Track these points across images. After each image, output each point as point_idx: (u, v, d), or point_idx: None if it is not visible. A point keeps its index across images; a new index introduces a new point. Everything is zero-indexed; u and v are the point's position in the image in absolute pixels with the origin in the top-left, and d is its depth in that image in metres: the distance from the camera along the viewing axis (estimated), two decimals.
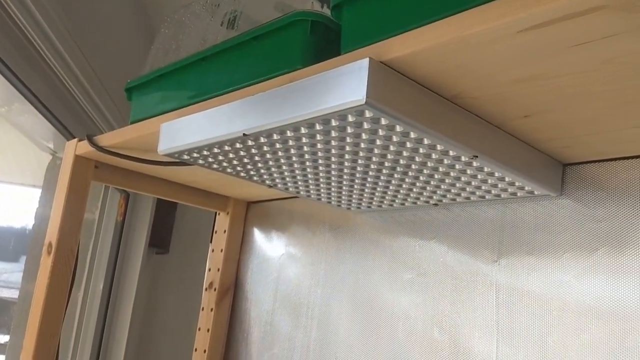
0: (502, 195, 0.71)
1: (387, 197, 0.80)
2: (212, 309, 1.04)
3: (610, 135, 0.58)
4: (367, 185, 0.75)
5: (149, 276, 1.82)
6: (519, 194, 0.69)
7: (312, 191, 0.82)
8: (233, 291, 1.07)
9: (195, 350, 1.04)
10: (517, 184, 0.66)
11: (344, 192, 0.81)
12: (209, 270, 1.07)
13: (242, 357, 1.02)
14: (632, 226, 0.62)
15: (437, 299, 0.77)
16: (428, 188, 0.72)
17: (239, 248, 1.09)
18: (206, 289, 1.06)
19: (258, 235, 1.08)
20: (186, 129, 0.65)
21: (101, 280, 1.67)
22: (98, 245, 1.70)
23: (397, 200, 0.82)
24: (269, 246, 1.05)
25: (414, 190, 0.74)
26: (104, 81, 1.32)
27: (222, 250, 1.07)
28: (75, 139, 0.88)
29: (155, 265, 1.86)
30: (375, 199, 0.82)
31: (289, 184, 0.80)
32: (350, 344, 0.86)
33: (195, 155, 0.68)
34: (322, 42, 0.60)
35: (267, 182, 0.79)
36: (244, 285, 1.07)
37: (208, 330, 1.02)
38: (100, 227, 1.71)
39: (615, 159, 0.64)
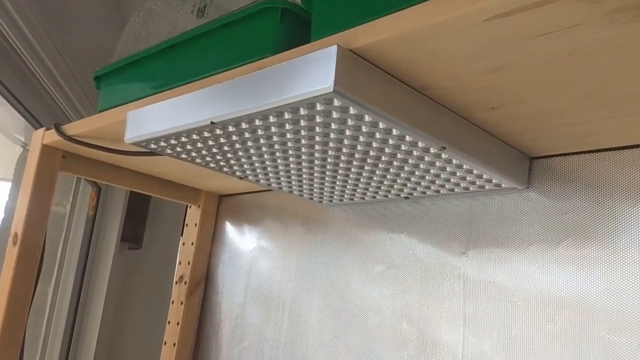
0: (471, 189, 0.71)
1: (358, 190, 0.80)
2: (182, 303, 1.03)
3: (575, 128, 0.59)
4: (338, 177, 0.75)
5: (121, 271, 1.80)
6: (487, 187, 0.70)
7: (283, 183, 0.82)
8: (204, 285, 1.07)
9: (165, 343, 1.02)
10: (485, 176, 0.66)
11: (315, 185, 0.80)
12: (180, 263, 1.06)
13: (213, 350, 1.02)
14: (596, 218, 0.63)
15: (406, 291, 0.78)
16: (398, 180, 0.73)
17: (210, 241, 1.08)
18: (176, 283, 1.05)
19: (230, 229, 1.07)
20: (153, 117, 0.64)
21: (72, 276, 1.65)
22: (69, 239, 1.67)
23: (368, 194, 0.82)
24: (241, 239, 1.05)
25: (385, 182, 0.74)
26: (74, 70, 1.30)
27: (193, 244, 1.06)
28: (43, 128, 0.87)
29: (127, 260, 1.84)
30: (346, 192, 0.82)
31: (260, 176, 0.79)
32: (321, 337, 0.86)
33: (163, 144, 0.67)
34: (292, 30, 0.59)
35: (238, 173, 0.79)
36: (215, 278, 1.06)
37: (178, 323, 1.01)
38: (71, 221, 1.68)
39: (580, 153, 0.65)
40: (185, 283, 1.04)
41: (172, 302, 1.04)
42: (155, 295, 1.86)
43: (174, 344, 1.01)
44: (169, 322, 1.03)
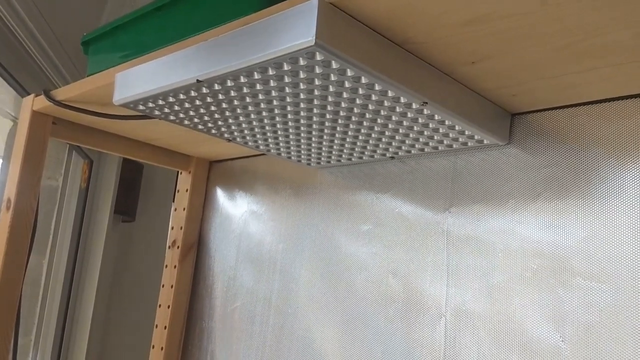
0: (454, 146, 0.73)
1: (345, 151, 0.82)
2: (175, 266, 1.05)
3: (552, 81, 0.60)
4: (325, 137, 0.76)
5: (115, 244, 1.81)
6: (469, 144, 0.72)
7: (271, 145, 0.83)
8: (196, 248, 1.09)
9: (160, 306, 1.05)
10: (467, 132, 0.68)
11: (302, 147, 0.82)
12: (172, 228, 1.08)
13: (206, 310, 1.04)
14: (573, 171, 0.65)
15: (392, 247, 0.80)
16: (383, 139, 0.74)
17: (202, 206, 1.10)
18: (169, 247, 1.07)
19: (220, 194, 1.09)
20: (141, 78, 0.65)
21: (66, 249, 1.66)
22: (62, 212, 1.68)
23: (355, 154, 0.83)
24: (232, 204, 1.06)
25: (370, 142, 0.76)
26: (60, 37, 1.29)
27: (184, 209, 1.07)
28: (32, 95, 0.87)
29: (121, 233, 1.86)
30: (333, 153, 0.84)
31: (248, 138, 0.80)
32: (311, 294, 0.89)
33: (150, 105, 0.68)
34: None
35: (226, 135, 0.80)
36: (207, 242, 1.08)
37: (172, 286, 1.04)
38: (63, 194, 1.69)
39: (558, 108, 0.67)
40: (178, 247, 1.06)
41: (166, 266, 1.07)
42: (149, 268, 1.88)
43: (169, 306, 1.03)
44: (163, 286, 1.06)
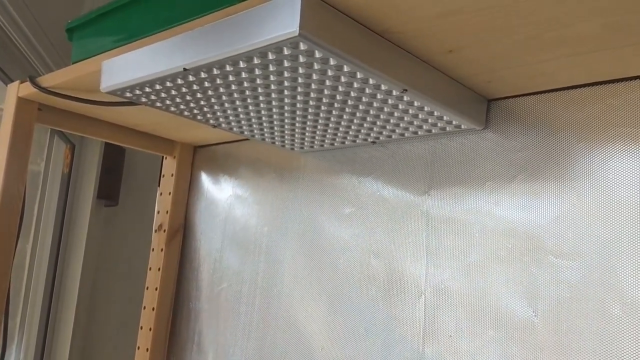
0: (433, 131, 0.76)
1: (327, 136, 0.84)
2: (162, 249, 1.07)
3: (523, 69, 0.63)
4: (308, 123, 0.78)
5: (98, 228, 1.82)
6: (447, 129, 0.74)
7: (255, 131, 0.85)
8: (182, 232, 1.11)
9: (147, 288, 1.07)
10: (445, 118, 0.70)
11: (286, 132, 0.84)
12: (158, 212, 1.10)
13: (193, 293, 1.07)
14: (546, 154, 0.68)
15: (374, 229, 0.83)
16: (365, 125, 0.77)
17: (187, 191, 1.12)
18: (156, 231, 1.09)
19: (205, 179, 1.11)
20: (127, 66, 0.66)
21: (49, 234, 1.67)
22: (45, 197, 1.68)
23: (337, 139, 0.86)
24: (217, 188, 1.08)
25: (352, 127, 0.78)
26: (42, 24, 1.29)
27: (170, 194, 1.09)
28: (18, 81, 0.88)
29: (104, 217, 1.87)
30: (317, 138, 0.86)
31: (233, 123, 0.82)
32: (295, 275, 0.92)
33: (137, 92, 0.70)
34: None
35: (211, 121, 0.82)
36: (193, 226, 1.10)
37: (159, 269, 1.06)
38: (46, 179, 1.69)
39: (531, 94, 0.70)
40: (164, 231, 1.07)
41: (153, 250, 1.08)
42: (132, 252, 1.89)
43: (156, 289, 1.05)
44: (150, 269, 1.07)
